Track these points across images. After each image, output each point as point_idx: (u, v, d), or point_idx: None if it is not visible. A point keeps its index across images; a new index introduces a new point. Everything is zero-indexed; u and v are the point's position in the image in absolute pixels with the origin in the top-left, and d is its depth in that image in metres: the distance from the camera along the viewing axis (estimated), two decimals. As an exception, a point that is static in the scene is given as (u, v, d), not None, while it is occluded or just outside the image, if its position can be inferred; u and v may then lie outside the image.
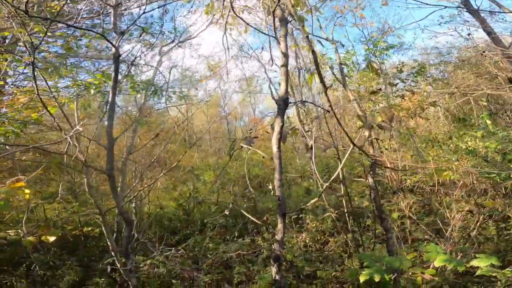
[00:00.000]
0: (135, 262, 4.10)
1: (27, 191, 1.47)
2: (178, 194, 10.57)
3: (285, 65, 2.34)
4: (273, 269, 2.32)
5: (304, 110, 13.33)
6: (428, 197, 5.62)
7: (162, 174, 4.14)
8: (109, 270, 5.06)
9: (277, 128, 2.26)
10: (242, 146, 2.66)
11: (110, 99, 3.06)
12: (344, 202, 5.48)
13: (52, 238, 1.86)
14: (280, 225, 2.37)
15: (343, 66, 3.99)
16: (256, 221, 2.81)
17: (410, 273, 3.06)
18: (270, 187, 2.59)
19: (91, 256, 6.09)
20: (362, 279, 2.38)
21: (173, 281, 4.35)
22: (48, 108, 4.86)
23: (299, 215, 6.95)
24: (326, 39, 4.01)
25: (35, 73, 2.19)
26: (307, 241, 6.04)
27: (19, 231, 2.08)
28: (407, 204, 5.02)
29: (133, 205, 10.14)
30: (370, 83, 4.59)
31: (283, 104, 2.29)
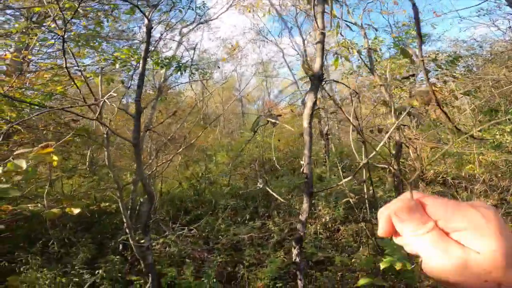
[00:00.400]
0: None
1: (55, 157, 1.41)
2: (190, 173, 10.64)
3: (321, 42, 2.26)
4: (294, 251, 2.27)
5: (322, 96, 13.13)
6: (448, 189, 5.46)
7: (180, 150, 4.07)
8: (120, 248, 5.13)
9: (309, 103, 2.19)
10: (269, 121, 2.56)
11: (140, 69, 3.13)
12: (365, 189, 5.36)
13: (76, 211, 1.82)
14: (305, 205, 2.29)
15: (371, 51, 3.81)
16: (280, 199, 2.70)
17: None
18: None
19: (104, 234, 6.19)
20: (382, 266, 2.30)
21: (187, 260, 4.36)
22: (74, 82, 4.88)
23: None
24: (355, 24, 3.82)
25: (65, 47, 2.14)
26: (317, 228, 5.99)
27: (39, 204, 2.04)
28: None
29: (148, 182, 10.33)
30: (399, 70, 4.39)
31: (317, 80, 2.25)
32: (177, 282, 3.76)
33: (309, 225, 6.04)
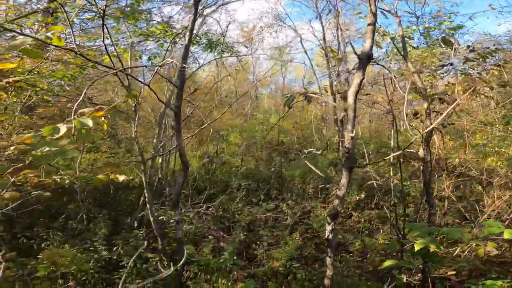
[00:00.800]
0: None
1: (105, 121, 1.44)
2: (203, 153, 10.73)
3: (373, 24, 2.32)
4: (328, 227, 2.34)
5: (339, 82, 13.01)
6: (469, 180, 5.43)
7: (200, 129, 4.10)
8: (136, 225, 5.20)
9: (356, 81, 2.29)
10: (306, 97, 2.58)
11: (187, 40, 3.26)
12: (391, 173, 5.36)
13: (122, 177, 1.85)
14: (344, 180, 2.36)
15: (405, 39, 3.72)
16: (320, 173, 2.77)
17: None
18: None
19: (119, 210, 6.30)
20: (417, 247, 2.35)
21: (207, 237, 4.45)
22: (105, 57, 4.85)
23: (325, 185, 6.92)
24: (389, 11, 3.72)
25: (104, 21, 2.16)
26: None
27: (64, 177, 2.06)
28: (449, 184, 4.87)
29: (161, 160, 10.46)
30: (431, 59, 4.30)
31: (366, 59, 2.34)
32: (196, 259, 3.85)
33: (323, 210, 6.09)
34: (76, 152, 1.38)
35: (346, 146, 2.27)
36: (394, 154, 2.49)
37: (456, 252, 4.03)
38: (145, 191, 3.83)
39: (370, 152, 11.33)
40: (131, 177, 5.19)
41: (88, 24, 5.39)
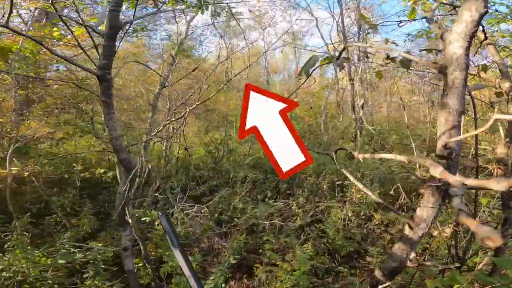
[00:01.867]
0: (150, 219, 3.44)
1: None
2: (209, 139, 9.93)
3: None
4: None
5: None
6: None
7: (193, 107, 3.26)
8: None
9: (469, 14, 1.18)
10: (337, 58, 1.56)
11: None
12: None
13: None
14: (430, 211, 1.30)
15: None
16: (353, 151, 1.72)
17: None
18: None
19: (111, 203, 5.58)
20: None
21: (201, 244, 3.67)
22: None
23: (343, 182, 6.03)
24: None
25: None
26: (349, 214, 5.18)
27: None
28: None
29: (164, 146, 9.72)
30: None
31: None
32: (178, 274, 3.08)
33: (339, 210, 5.23)
34: None
35: (445, 143, 1.22)
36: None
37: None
38: (120, 186, 3.04)
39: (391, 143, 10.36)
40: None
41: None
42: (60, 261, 3.32)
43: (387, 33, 15.64)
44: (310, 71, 1.63)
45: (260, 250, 3.96)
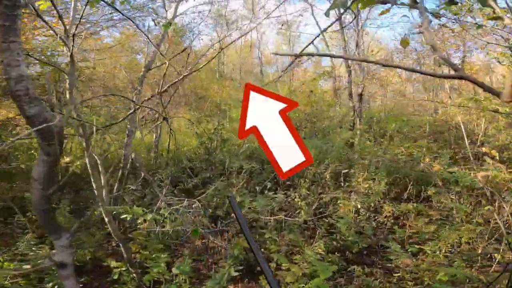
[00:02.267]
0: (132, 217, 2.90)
1: None
2: (202, 130, 9.36)
3: None
4: None
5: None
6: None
7: (178, 80, 2.71)
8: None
9: None
10: None
11: None
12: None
13: None
14: None
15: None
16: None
17: None
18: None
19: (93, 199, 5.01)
20: None
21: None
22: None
23: (349, 170, 5.54)
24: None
25: None
26: (358, 206, 4.69)
27: None
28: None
29: (154, 137, 9.13)
30: None
31: None
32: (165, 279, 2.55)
33: (346, 201, 4.72)
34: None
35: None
36: None
37: None
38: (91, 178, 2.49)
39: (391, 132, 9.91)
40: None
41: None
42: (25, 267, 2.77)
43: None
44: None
45: (263, 250, 3.44)
